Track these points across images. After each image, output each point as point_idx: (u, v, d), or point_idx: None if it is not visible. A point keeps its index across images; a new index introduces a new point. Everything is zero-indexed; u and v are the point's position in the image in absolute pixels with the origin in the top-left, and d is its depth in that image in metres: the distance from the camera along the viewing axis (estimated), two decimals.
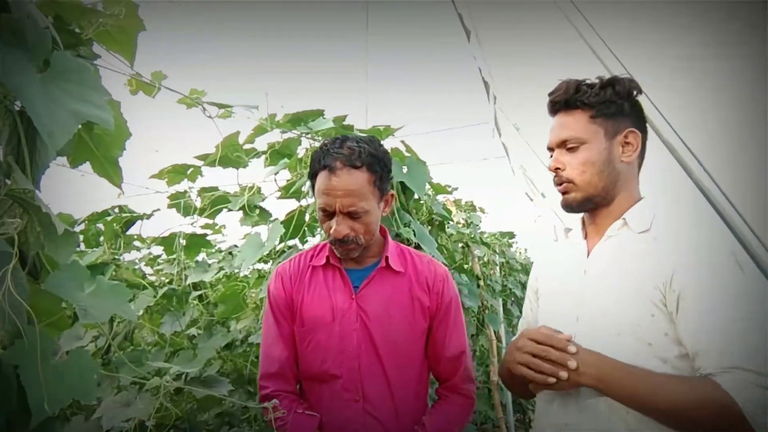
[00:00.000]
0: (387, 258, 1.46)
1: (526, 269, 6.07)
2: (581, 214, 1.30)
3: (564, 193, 1.23)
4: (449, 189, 3.49)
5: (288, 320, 1.47)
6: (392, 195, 1.48)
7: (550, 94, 1.26)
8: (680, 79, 1.62)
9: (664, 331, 1.08)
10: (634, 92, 1.21)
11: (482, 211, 4.52)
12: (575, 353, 1.10)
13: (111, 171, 1.04)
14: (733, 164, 1.46)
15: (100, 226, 2.46)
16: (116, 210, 2.35)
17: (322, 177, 1.36)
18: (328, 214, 1.37)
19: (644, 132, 1.23)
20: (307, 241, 2.17)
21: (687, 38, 1.53)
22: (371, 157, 1.36)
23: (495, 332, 4.05)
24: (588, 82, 1.22)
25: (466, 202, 4.23)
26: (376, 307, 1.43)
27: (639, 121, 1.23)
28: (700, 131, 1.49)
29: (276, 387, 1.43)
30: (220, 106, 1.56)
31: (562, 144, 1.22)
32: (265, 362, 1.46)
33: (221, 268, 2.88)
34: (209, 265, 2.75)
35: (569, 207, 1.24)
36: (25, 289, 0.75)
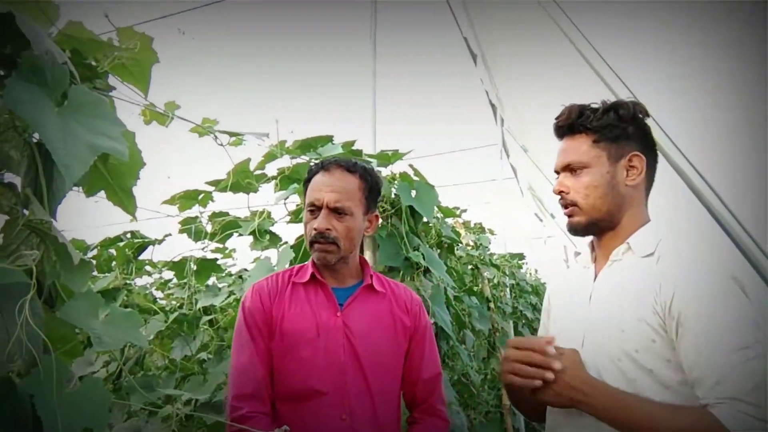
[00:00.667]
0: (372, 276, 1.50)
1: (536, 291, 6.03)
2: (590, 238, 1.30)
3: (569, 216, 1.24)
4: (458, 211, 3.50)
5: (264, 337, 1.41)
6: (377, 217, 1.53)
7: (555, 119, 1.28)
8: (680, 79, 1.64)
9: (666, 357, 1.07)
10: (640, 115, 1.22)
11: (491, 232, 4.52)
12: (559, 357, 1.11)
13: (125, 200, 1.06)
14: (732, 168, 1.45)
15: (112, 251, 2.49)
16: (128, 235, 2.38)
17: (315, 178, 1.45)
18: (314, 211, 1.42)
19: (651, 155, 1.24)
20: None
21: (687, 38, 1.55)
22: (365, 170, 1.47)
23: None
24: (592, 106, 1.24)
25: (475, 224, 4.23)
26: (361, 324, 1.44)
27: (645, 144, 1.23)
28: (701, 131, 1.48)
29: (251, 408, 1.33)
30: (232, 134, 1.59)
31: (567, 168, 1.23)
32: (238, 381, 1.37)
33: (231, 292, 2.89)
34: (219, 289, 2.76)
35: (574, 230, 1.25)
36: (42, 318, 0.76)
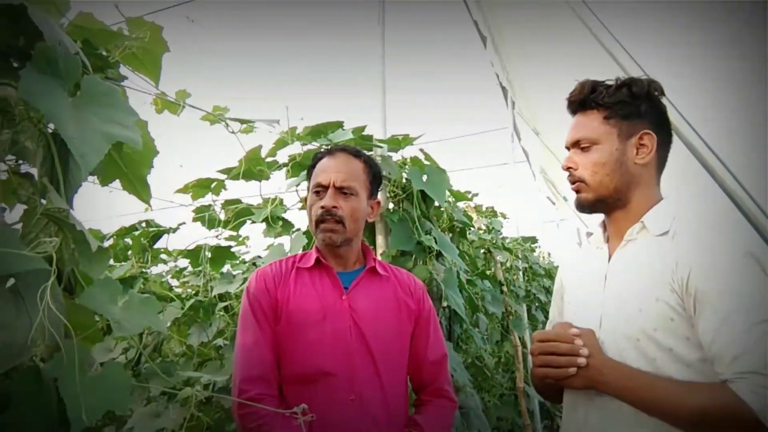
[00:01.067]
0: (375, 259, 1.53)
1: (549, 274, 6.01)
2: (601, 218, 1.30)
3: (577, 192, 1.23)
4: (469, 195, 3.49)
5: (270, 321, 1.43)
6: (378, 203, 1.57)
7: (569, 94, 1.26)
8: (680, 78, 1.62)
9: (685, 335, 1.07)
10: (655, 93, 1.20)
11: (503, 216, 4.51)
12: (583, 345, 1.13)
13: (140, 188, 1.07)
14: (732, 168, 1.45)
15: (128, 240, 2.52)
16: (143, 224, 2.40)
17: (321, 162, 1.51)
18: (320, 192, 1.46)
19: (664, 134, 1.22)
20: None
21: (687, 38, 1.53)
22: (368, 157, 1.54)
23: (520, 338, 4.02)
24: (605, 82, 1.22)
25: (487, 208, 4.22)
26: (367, 307, 1.46)
27: (659, 122, 1.21)
28: (701, 131, 1.47)
29: (259, 390, 1.35)
30: (242, 121, 1.60)
31: (576, 144, 1.23)
32: (245, 364, 1.39)
33: (245, 279, 2.92)
34: (234, 276, 2.79)
35: (581, 207, 1.24)
36: (62, 305, 0.78)
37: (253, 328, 1.42)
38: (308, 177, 1.55)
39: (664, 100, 1.24)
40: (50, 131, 0.95)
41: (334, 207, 1.43)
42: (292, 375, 1.41)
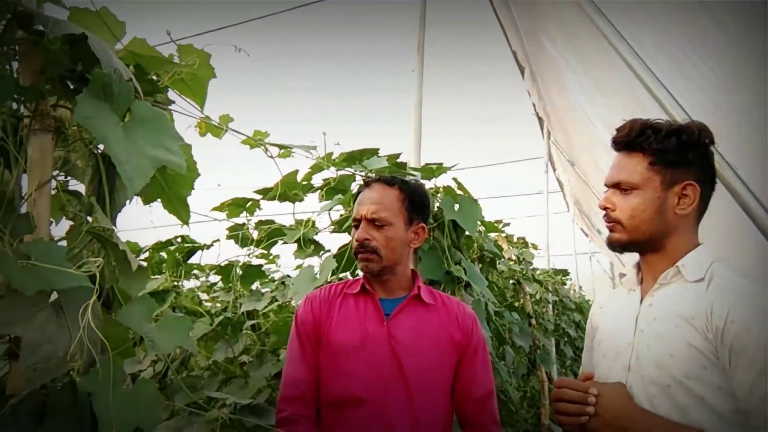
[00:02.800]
0: (419, 287, 1.52)
1: (580, 308, 5.89)
2: (636, 258, 1.28)
3: (610, 230, 1.22)
4: (501, 225, 3.46)
5: (312, 344, 1.48)
6: (423, 228, 1.55)
7: (616, 131, 1.24)
8: (680, 78, 1.59)
9: (718, 385, 1.05)
10: (705, 141, 1.17)
11: (534, 247, 4.46)
12: (596, 394, 1.12)
13: (180, 209, 1.11)
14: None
15: (163, 254, 2.58)
16: (179, 240, 2.46)
17: (360, 194, 1.55)
18: (357, 223, 1.50)
19: (708, 182, 1.19)
20: (357, 275, 2.21)
21: (687, 38, 1.51)
22: (405, 183, 1.55)
23: (547, 373, 3.94)
24: (654, 124, 1.18)
25: (518, 239, 4.18)
26: (407, 335, 1.46)
27: (704, 172, 1.18)
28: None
29: (294, 410, 1.41)
30: (281, 146, 1.64)
31: (616, 185, 1.20)
32: (285, 385, 1.47)
33: (274, 298, 2.95)
34: (262, 294, 2.83)
35: (613, 246, 1.22)
36: (101, 321, 0.81)
37: (297, 351, 1.49)
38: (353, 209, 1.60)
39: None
40: (100, 152, 1.00)
41: (366, 239, 1.46)
42: (328, 398, 1.45)
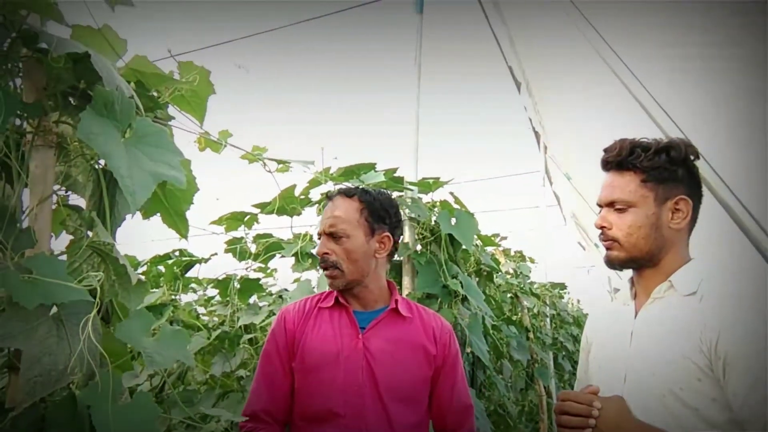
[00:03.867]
0: (396, 301, 1.50)
1: (577, 322, 5.89)
2: (630, 274, 1.29)
3: (608, 249, 1.23)
4: (498, 239, 3.48)
5: (284, 360, 1.47)
6: (388, 237, 1.51)
7: (604, 151, 1.26)
8: (681, 78, 1.61)
9: (712, 396, 1.06)
10: (691, 157, 1.20)
11: (532, 261, 4.47)
12: (600, 408, 1.11)
13: (179, 223, 1.12)
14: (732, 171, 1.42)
15: (161, 267, 2.59)
16: (177, 253, 2.47)
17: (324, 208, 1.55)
18: (320, 238, 1.50)
19: (697, 196, 1.22)
20: None
21: (687, 38, 1.53)
22: (366, 193, 1.52)
23: (545, 387, 3.93)
24: (643, 143, 1.21)
25: (515, 252, 4.20)
26: (382, 348, 1.45)
27: (692, 186, 1.21)
28: (701, 130, 1.46)
29: (254, 425, 1.42)
30: (279, 161, 1.66)
31: (611, 204, 1.22)
32: (250, 398, 1.47)
33: (271, 312, 2.95)
34: (260, 308, 2.83)
35: (612, 264, 1.24)
36: (100, 335, 0.82)
37: (267, 365, 1.48)
38: None
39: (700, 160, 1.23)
40: (100, 167, 1.01)
41: (326, 254, 1.46)
42: (303, 413, 1.44)
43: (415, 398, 1.47)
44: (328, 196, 1.56)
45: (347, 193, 1.52)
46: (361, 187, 1.57)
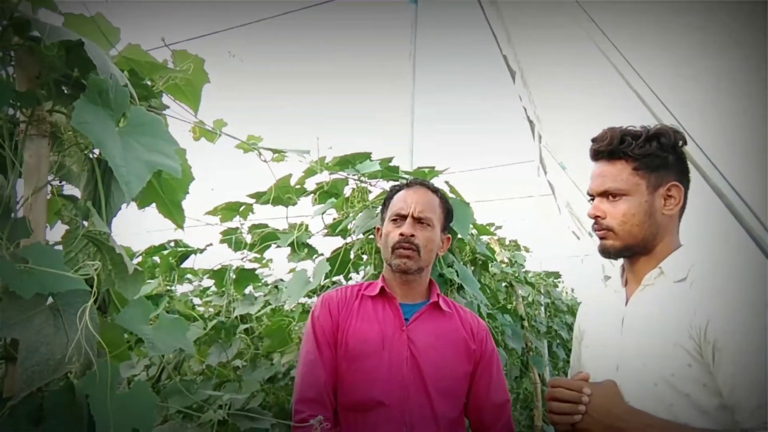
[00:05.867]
0: (438, 295, 1.54)
1: (572, 310, 5.93)
2: (621, 261, 1.30)
3: (602, 238, 1.24)
4: (493, 228, 3.49)
5: (330, 347, 1.47)
6: (448, 238, 1.61)
7: (593, 141, 1.27)
8: (680, 78, 1.61)
9: (702, 382, 1.07)
10: (680, 143, 1.21)
11: (527, 249, 4.48)
12: (590, 394, 1.13)
13: (175, 212, 1.12)
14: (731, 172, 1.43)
15: (157, 258, 2.58)
16: (172, 244, 2.46)
17: (399, 194, 1.56)
18: (397, 221, 1.50)
19: (686, 182, 1.23)
20: (351, 278, 2.22)
21: (687, 38, 1.53)
22: (443, 193, 1.62)
23: (539, 375, 3.96)
24: (633, 131, 1.22)
25: (510, 241, 4.21)
26: (426, 341, 1.47)
27: (682, 172, 1.22)
28: (701, 131, 1.46)
29: (313, 412, 1.38)
30: (275, 151, 1.65)
31: (603, 193, 1.23)
32: (302, 386, 1.44)
33: (267, 302, 2.96)
34: (255, 298, 2.83)
35: (607, 253, 1.24)
36: (98, 324, 0.82)
37: (313, 351, 1.47)
38: (383, 208, 1.61)
39: (690, 144, 1.24)
40: (95, 156, 1.01)
41: (412, 235, 1.47)
42: (347, 402, 1.44)
43: (455, 393, 1.49)
44: (407, 184, 1.60)
45: (430, 188, 1.58)
46: (434, 186, 1.63)
